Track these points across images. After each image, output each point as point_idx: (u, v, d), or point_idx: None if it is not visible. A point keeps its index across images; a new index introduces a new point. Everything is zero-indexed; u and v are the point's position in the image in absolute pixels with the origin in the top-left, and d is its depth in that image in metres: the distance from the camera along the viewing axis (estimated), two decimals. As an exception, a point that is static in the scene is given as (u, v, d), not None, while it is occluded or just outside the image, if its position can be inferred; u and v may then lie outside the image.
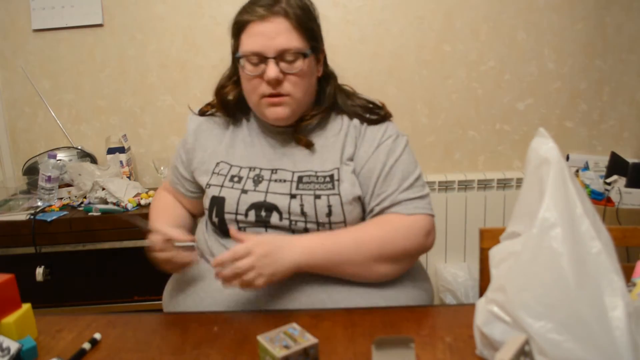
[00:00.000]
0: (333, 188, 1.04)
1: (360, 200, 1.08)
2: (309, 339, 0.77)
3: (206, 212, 1.12)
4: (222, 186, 1.08)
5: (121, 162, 2.15)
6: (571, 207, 0.71)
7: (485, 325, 0.76)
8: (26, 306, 0.88)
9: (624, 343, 0.64)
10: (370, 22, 2.19)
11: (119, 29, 2.22)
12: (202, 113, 1.21)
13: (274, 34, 1.01)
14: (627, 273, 0.78)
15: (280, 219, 1.04)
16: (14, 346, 0.79)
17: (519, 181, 2.19)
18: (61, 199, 2.05)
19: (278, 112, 1.06)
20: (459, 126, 2.28)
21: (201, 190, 1.17)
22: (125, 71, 2.25)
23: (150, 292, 1.94)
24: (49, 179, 1.99)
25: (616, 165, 1.96)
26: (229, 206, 1.06)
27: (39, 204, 1.99)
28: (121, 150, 2.19)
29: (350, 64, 2.16)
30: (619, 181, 1.89)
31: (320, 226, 1.03)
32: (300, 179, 1.06)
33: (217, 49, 2.22)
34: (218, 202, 1.07)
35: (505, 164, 2.31)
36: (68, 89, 2.27)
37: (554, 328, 0.67)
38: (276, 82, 1.03)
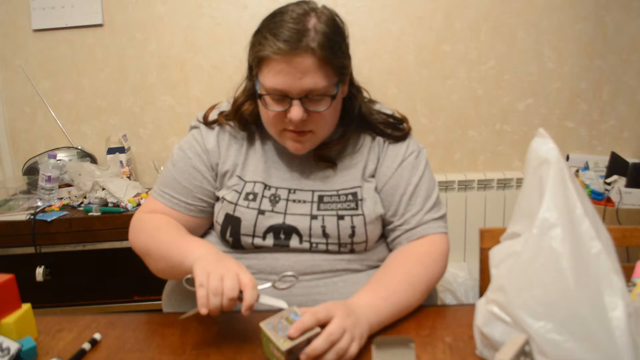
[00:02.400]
0: (356, 208, 1.01)
1: (381, 217, 1.05)
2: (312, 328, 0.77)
3: (217, 227, 1.05)
4: (236, 204, 1.01)
5: (121, 162, 2.15)
6: (571, 207, 0.71)
7: (485, 326, 0.76)
8: (26, 306, 0.88)
9: (624, 343, 0.64)
10: (370, 22, 2.19)
11: (119, 29, 2.22)
12: (209, 122, 1.09)
13: (299, 73, 0.90)
14: (627, 273, 0.78)
15: (301, 241, 1.00)
16: (13, 346, 0.79)
17: (519, 181, 2.19)
18: (61, 199, 2.05)
19: (299, 147, 1.00)
20: (459, 126, 2.28)
21: (209, 205, 1.08)
22: (125, 71, 2.26)
23: (150, 292, 1.94)
24: (49, 179, 1.99)
25: (616, 165, 1.96)
26: (245, 228, 1.00)
27: (39, 204, 1.99)
28: (121, 150, 2.19)
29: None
30: (619, 181, 1.89)
31: (342, 246, 1.01)
32: (320, 198, 1.02)
33: (217, 49, 2.22)
34: (233, 222, 1.01)
35: (505, 164, 2.31)
36: (68, 89, 2.27)
37: (554, 328, 0.67)
38: (300, 122, 0.94)
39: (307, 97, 0.93)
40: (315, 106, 0.95)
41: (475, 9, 2.17)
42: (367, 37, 2.20)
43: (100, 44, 2.23)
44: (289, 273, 0.91)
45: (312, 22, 0.92)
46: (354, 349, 0.78)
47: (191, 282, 0.83)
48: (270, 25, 0.93)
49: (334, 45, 0.92)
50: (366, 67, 2.19)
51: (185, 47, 2.23)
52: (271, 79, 0.93)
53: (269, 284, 0.88)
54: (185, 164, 1.07)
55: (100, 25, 2.21)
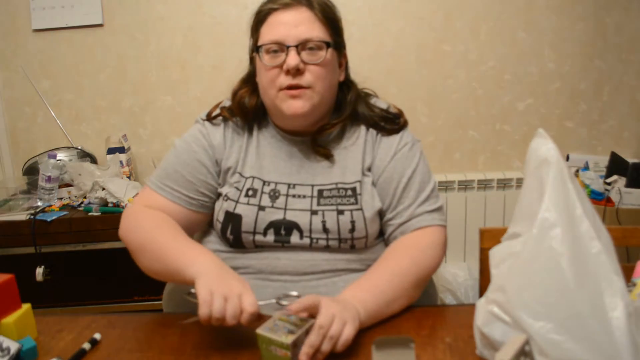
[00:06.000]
0: (356, 203, 1.01)
1: (379, 212, 1.04)
2: (307, 320, 0.78)
3: (218, 225, 1.05)
4: (237, 202, 1.02)
5: (121, 162, 2.15)
6: (571, 207, 0.71)
7: (485, 326, 0.76)
8: (26, 306, 0.88)
9: (624, 343, 0.64)
10: (370, 22, 2.19)
11: (119, 29, 2.22)
12: (211, 118, 1.10)
13: (296, 22, 0.97)
14: (627, 273, 0.78)
15: (301, 237, 1.00)
16: (14, 346, 0.79)
17: (519, 181, 2.19)
18: (61, 199, 2.05)
19: (297, 106, 0.98)
20: (459, 126, 2.28)
21: (211, 201, 1.08)
22: (125, 71, 2.25)
23: (150, 292, 1.94)
24: (49, 179, 1.99)
25: (616, 165, 1.96)
26: (246, 225, 1.00)
27: (39, 204, 1.99)
28: (121, 150, 2.19)
29: (351, 64, 2.16)
30: (619, 181, 1.89)
31: (342, 242, 1.00)
32: (320, 193, 1.02)
33: (217, 49, 2.22)
34: (234, 219, 1.01)
35: (505, 164, 2.31)
36: (68, 89, 2.27)
37: (554, 328, 0.67)
38: (296, 72, 0.96)
39: (303, 48, 0.98)
40: (312, 57, 0.98)
41: (475, 9, 2.17)
42: (367, 37, 2.20)
43: (100, 44, 2.23)
44: (294, 293, 0.92)
45: None
46: (348, 331, 0.78)
47: (194, 295, 0.83)
48: None
49: (328, 6, 1.02)
50: (366, 67, 2.19)
51: (185, 47, 2.23)
52: (270, 30, 0.99)
53: (273, 300, 0.88)
54: (190, 157, 1.06)
55: (100, 25, 2.21)
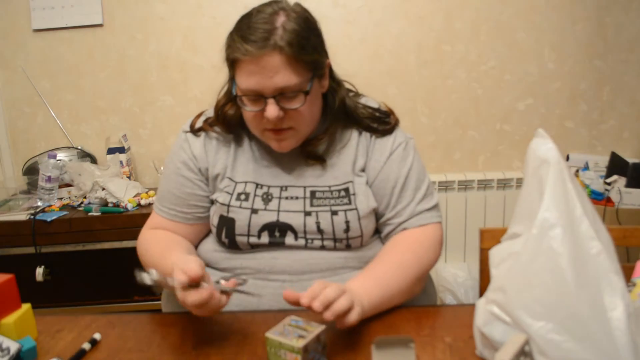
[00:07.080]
0: (350, 203, 1.01)
1: (374, 211, 1.05)
2: (316, 326, 0.77)
3: (213, 229, 1.07)
4: (229, 205, 1.02)
5: (121, 162, 2.15)
6: (571, 207, 0.71)
7: (485, 326, 0.76)
8: (26, 306, 0.88)
9: (624, 343, 0.64)
10: (370, 22, 2.19)
11: (119, 29, 2.22)
12: (195, 129, 1.10)
13: (270, 72, 0.91)
14: (627, 273, 0.78)
15: (296, 238, 1.00)
16: (13, 346, 0.79)
17: (519, 181, 2.19)
18: (61, 199, 2.05)
19: (283, 145, 1.00)
20: (459, 126, 2.28)
21: (206, 210, 1.10)
22: (125, 71, 2.26)
23: (150, 292, 1.93)
24: (49, 179, 1.99)
25: (616, 165, 1.96)
26: (240, 228, 1.01)
27: (39, 204, 1.99)
28: (121, 150, 2.19)
29: (350, 64, 2.16)
30: (619, 181, 1.89)
31: (337, 242, 1.01)
32: (313, 194, 1.02)
33: (217, 49, 2.19)
34: (227, 223, 1.02)
35: (505, 164, 2.31)
36: (68, 89, 2.27)
37: (554, 328, 0.67)
38: (277, 120, 0.95)
39: (281, 95, 0.93)
40: (290, 103, 0.95)
41: (475, 9, 2.17)
42: (367, 37, 2.20)
43: (100, 44, 2.23)
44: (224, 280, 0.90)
45: (281, 20, 0.93)
46: (353, 316, 0.80)
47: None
48: (239, 28, 0.97)
49: (302, 41, 0.92)
50: (366, 67, 2.19)
51: (185, 47, 2.23)
52: (244, 80, 0.94)
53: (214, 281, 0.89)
54: (175, 175, 1.09)
55: (100, 25, 2.21)
